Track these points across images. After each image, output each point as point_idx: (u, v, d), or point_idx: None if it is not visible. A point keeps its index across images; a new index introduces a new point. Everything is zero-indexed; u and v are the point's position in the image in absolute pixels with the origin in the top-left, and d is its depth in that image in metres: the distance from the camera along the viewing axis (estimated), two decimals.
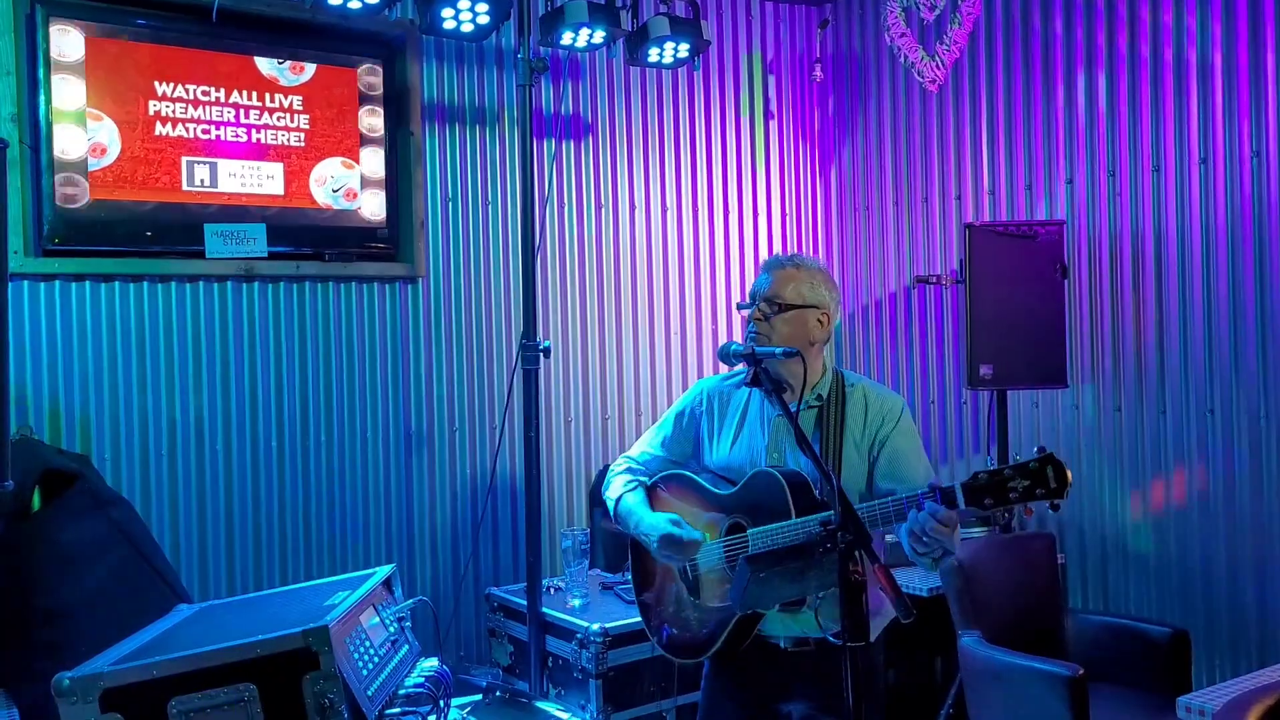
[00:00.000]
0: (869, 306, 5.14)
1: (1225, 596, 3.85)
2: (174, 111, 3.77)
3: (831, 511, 1.98)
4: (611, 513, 2.67)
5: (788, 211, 5.24)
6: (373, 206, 4.14)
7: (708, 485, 2.53)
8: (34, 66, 3.54)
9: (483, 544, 4.25)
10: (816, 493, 2.31)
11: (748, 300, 2.48)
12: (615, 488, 2.68)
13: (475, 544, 4.25)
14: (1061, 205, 4.32)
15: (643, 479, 2.68)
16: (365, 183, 4.13)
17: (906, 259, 4.95)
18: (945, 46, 4.26)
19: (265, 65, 3.95)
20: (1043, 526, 4.35)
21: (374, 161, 4.15)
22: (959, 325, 4.47)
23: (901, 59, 4.37)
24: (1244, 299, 3.79)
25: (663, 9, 4.08)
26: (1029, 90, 4.43)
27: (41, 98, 3.54)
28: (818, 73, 5.09)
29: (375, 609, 2.55)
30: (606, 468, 2.87)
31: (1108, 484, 4.18)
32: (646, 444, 2.73)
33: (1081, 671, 3.15)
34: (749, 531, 2.37)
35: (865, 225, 5.15)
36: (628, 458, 2.74)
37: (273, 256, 3.90)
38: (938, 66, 4.30)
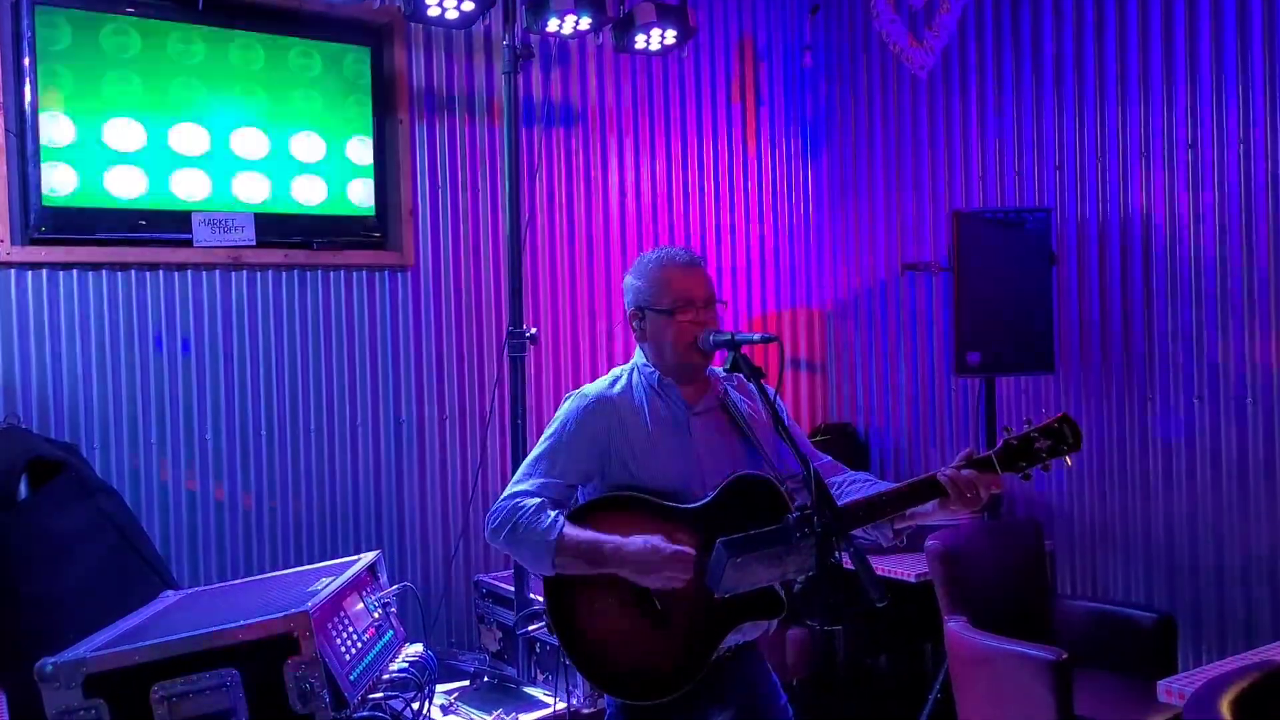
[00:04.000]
0: (859, 293, 5.14)
1: (1213, 581, 3.87)
2: None
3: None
4: (550, 554, 2.20)
5: (778, 198, 5.24)
6: (361, 195, 4.14)
7: (660, 502, 2.30)
8: (19, 55, 3.53)
9: (472, 531, 4.26)
10: (782, 490, 2.31)
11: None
12: (542, 524, 2.22)
13: (464, 531, 4.26)
14: (1050, 191, 4.32)
15: (558, 510, 2.29)
16: (353, 171, 4.13)
17: (895, 246, 4.95)
18: (934, 33, 4.26)
19: None
20: (1030, 513, 4.37)
21: (362, 150, 4.14)
22: (947, 312, 4.47)
23: (890, 45, 4.37)
24: (1231, 285, 3.80)
25: None
26: (1017, 76, 4.42)
27: (27, 86, 3.53)
28: (807, 59, 5.08)
29: (360, 595, 2.57)
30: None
31: (1096, 470, 4.19)
32: (536, 473, 2.34)
33: (1065, 656, 3.17)
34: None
35: (854, 212, 5.15)
36: (521, 493, 2.30)
37: (261, 245, 3.90)
38: (926, 53, 4.30)
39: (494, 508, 2.31)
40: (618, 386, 2.41)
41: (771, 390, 2.25)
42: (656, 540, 2.20)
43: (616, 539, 2.21)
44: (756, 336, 2.31)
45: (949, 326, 4.25)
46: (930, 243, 4.79)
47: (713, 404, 2.44)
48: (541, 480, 2.33)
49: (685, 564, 2.19)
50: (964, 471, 2.24)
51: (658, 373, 2.41)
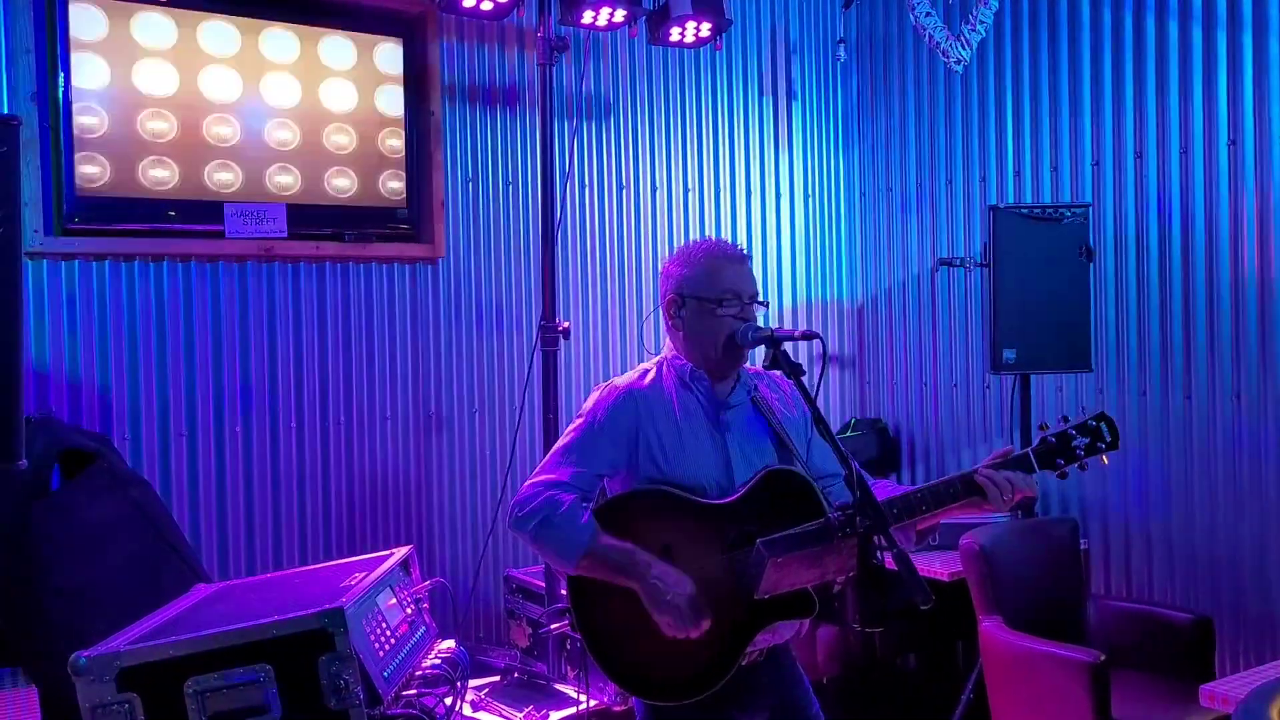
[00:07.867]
0: (892, 289, 5.10)
1: (1251, 582, 3.81)
2: None
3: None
4: (578, 555, 2.18)
5: (811, 193, 5.20)
6: (392, 187, 4.13)
7: (689, 497, 2.27)
8: (53, 45, 3.53)
9: (502, 525, 4.24)
10: (816, 486, 2.27)
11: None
12: (577, 523, 2.19)
13: (495, 525, 4.25)
14: (1087, 187, 4.26)
15: (586, 505, 2.27)
16: (385, 163, 4.11)
17: (930, 241, 4.91)
18: (971, 27, 4.20)
19: None
20: (1066, 512, 4.32)
21: (394, 142, 4.12)
22: (982, 308, 4.42)
23: (926, 39, 4.31)
24: (1271, 282, 3.73)
25: None
26: (1055, 71, 4.36)
27: (61, 77, 3.54)
28: (841, 53, 5.04)
29: (392, 590, 2.55)
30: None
31: (1133, 469, 4.14)
32: (566, 464, 2.30)
33: (1102, 658, 3.13)
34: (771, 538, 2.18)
35: (888, 207, 5.11)
36: (554, 484, 2.26)
37: (292, 236, 3.89)
38: (963, 47, 4.23)
39: (522, 495, 2.26)
40: (648, 379, 2.38)
41: (811, 388, 2.21)
42: (685, 585, 2.16)
43: (646, 559, 2.17)
44: (797, 333, 2.28)
45: (984, 323, 4.20)
46: (965, 238, 4.74)
47: (743, 399, 2.40)
48: (574, 470, 2.28)
49: (691, 622, 2.15)
50: (1003, 472, 2.20)
51: (689, 366, 2.36)
